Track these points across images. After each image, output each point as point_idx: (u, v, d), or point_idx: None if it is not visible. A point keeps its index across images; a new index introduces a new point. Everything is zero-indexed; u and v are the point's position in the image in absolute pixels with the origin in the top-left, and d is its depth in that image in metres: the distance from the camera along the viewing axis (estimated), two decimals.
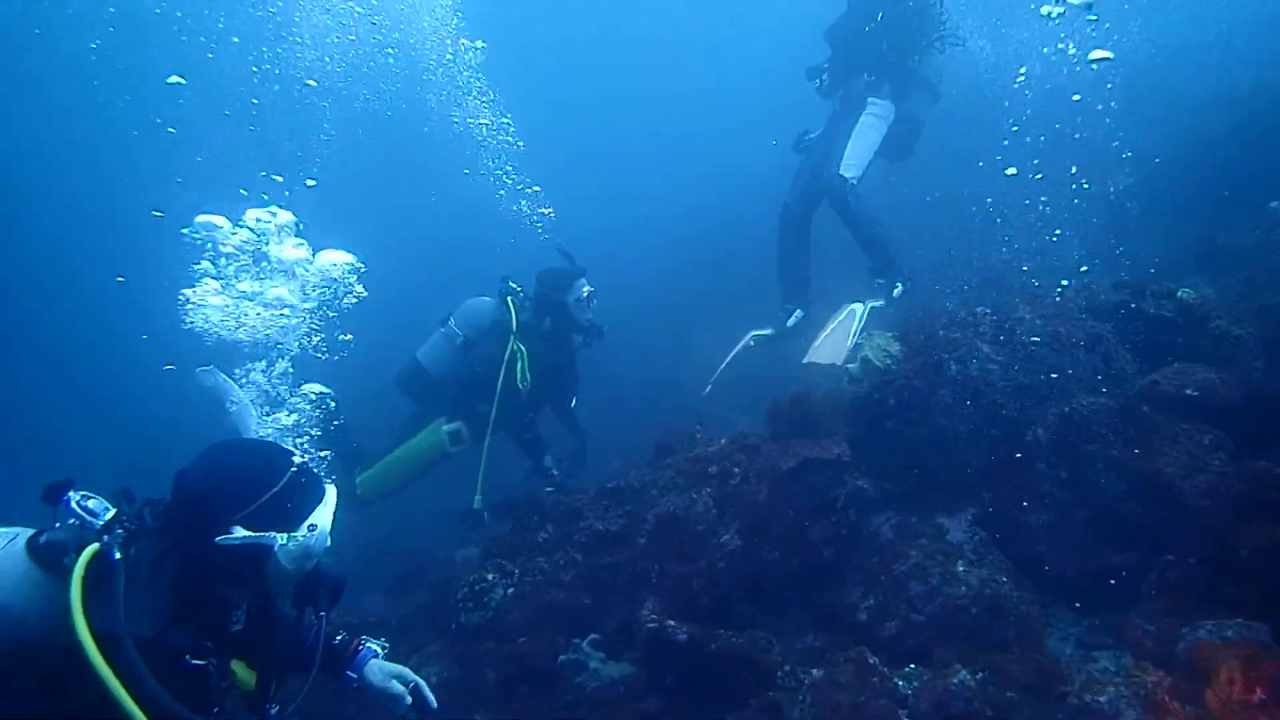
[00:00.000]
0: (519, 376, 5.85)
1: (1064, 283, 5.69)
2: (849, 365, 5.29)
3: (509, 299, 6.06)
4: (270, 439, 2.09)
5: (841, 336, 6.27)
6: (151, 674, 1.51)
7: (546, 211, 8.56)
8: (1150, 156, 10.76)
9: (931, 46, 7.01)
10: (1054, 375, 4.05)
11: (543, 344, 6.07)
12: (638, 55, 22.02)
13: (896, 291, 6.66)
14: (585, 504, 5.15)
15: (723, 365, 7.16)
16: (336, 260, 5.79)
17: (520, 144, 8.97)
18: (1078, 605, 3.81)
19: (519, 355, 5.88)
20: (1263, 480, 3.19)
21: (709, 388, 7.09)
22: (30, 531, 1.67)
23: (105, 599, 1.53)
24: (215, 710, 1.73)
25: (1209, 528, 3.28)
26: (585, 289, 6.11)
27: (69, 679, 1.49)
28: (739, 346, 7.21)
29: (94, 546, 1.61)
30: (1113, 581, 3.57)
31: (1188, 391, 3.63)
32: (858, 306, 6.47)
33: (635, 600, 4.42)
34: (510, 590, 4.76)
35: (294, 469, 1.83)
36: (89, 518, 1.69)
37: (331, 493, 1.91)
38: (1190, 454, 3.39)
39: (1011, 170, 7.16)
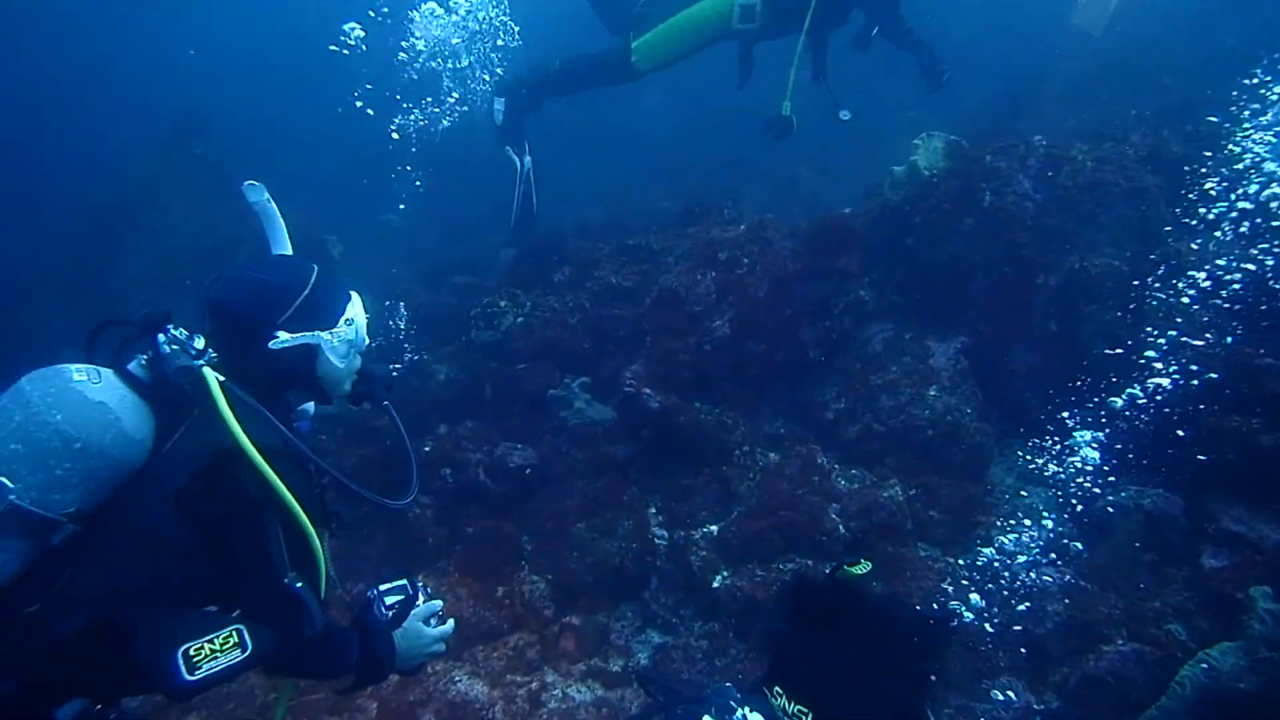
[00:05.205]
0: None
1: None
2: (894, 168, 5.10)
3: None
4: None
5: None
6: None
7: None
8: None
9: None
10: (1085, 224, 3.92)
11: None
12: None
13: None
14: (605, 255, 5.31)
15: None
16: None
17: None
18: (1033, 443, 4.01)
19: None
20: (1245, 369, 3.24)
21: None
22: (85, 366, 1.69)
23: (240, 416, 1.64)
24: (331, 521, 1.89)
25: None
26: None
27: (217, 490, 1.62)
28: None
29: (210, 370, 1.68)
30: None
31: (1207, 268, 3.53)
32: None
33: (630, 355, 4.72)
34: (519, 320, 5.08)
35: (317, 272, 1.90)
36: (181, 348, 1.71)
37: (356, 297, 2.03)
38: (1184, 334, 3.39)
39: None
